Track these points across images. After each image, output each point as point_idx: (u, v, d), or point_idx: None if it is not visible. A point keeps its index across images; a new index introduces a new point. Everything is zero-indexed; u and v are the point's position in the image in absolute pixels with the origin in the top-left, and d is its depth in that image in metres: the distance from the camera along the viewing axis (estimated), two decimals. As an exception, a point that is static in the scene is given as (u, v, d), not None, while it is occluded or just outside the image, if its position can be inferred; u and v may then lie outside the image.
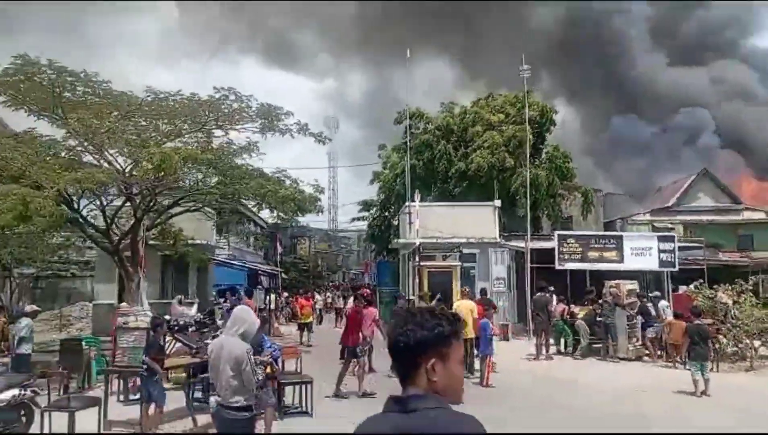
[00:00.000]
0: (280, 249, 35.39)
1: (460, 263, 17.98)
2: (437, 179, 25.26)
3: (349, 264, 72.30)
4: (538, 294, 15.40)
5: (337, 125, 64.07)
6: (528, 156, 22.29)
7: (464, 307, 11.87)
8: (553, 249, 20.47)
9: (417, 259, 19.61)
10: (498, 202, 21.95)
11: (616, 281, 16.03)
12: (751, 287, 15.66)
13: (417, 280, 18.96)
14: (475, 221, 21.78)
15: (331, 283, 43.02)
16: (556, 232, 20.29)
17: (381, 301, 28.30)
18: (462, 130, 25.12)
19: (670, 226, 26.92)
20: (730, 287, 16.05)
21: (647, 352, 15.42)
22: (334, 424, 7.96)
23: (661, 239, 19.66)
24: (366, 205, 29.99)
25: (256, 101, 13.86)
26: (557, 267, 19.38)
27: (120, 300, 16.08)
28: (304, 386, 8.90)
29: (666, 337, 13.78)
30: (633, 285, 15.97)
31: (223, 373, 4.73)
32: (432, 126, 25.88)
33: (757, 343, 14.18)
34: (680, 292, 16.91)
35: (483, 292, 15.10)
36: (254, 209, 21.01)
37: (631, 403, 9.95)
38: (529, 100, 24.73)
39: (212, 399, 4.93)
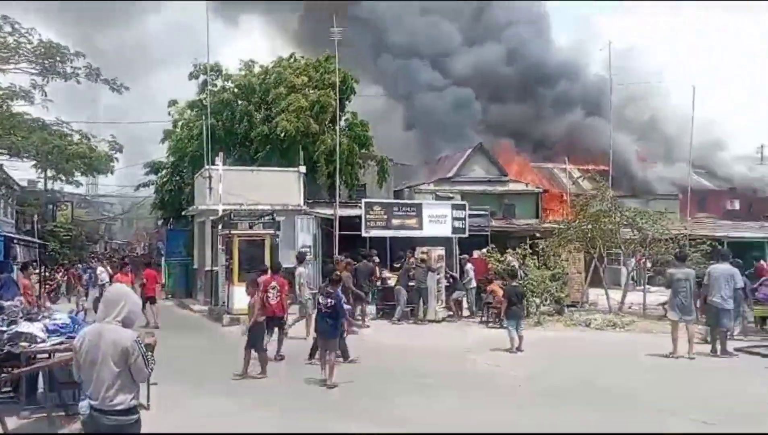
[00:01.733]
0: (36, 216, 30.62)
1: (273, 231, 17.26)
2: (237, 142, 23.92)
3: (113, 233, 65.79)
4: (363, 262, 15.50)
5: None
6: (338, 121, 22.26)
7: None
8: (355, 216, 20.86)
9: (221, 227, 18.39)
10: (303, 169, 21.58)
11: (427, 248, 16.91)
12: (528, 251, 17.79)
13: (224, 250, 17.78)
14: (279, 187, 21.15)
15: (92, 254, 38.61)
16: (363, 200, 20.68)
17: (170, 273, 26.21)
18: (264, 91, 24.05)
19: (450, 195, 29.31)
20: (515, 251, 18.04)
21: (450, 313, 16.67)
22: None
23: (454, 207, 21.22)
24: (154, 167, 27.21)
25: (39, 36, 11.44)
26: (364, 234, 19.80)
27: None
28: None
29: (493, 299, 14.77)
30: (441, 251, 17.02)
31: (102, 371, 3.79)
32: (232, 84, 24.33)
33: (537, 300, 16.15)
34: (475, 256, 18.47)
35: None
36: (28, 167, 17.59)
37: (467, 363, 10.59)
38: (332, 65, 24.60)
39: (83, 403, 3.89)
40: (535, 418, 7.35)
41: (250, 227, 18.15)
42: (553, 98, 38.18)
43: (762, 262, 19.12)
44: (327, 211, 21.37)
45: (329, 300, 8.99)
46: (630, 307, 17.44)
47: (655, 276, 19.69)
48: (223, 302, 17.44)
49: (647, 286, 18.66)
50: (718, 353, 10.98)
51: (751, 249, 23.99)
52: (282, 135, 22.53)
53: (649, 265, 19.36)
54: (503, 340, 11.77)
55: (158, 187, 26.99)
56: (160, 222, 32.33)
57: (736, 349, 11.31)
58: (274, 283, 10.93)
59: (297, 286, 13.31)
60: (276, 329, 10.91)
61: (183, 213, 23.99)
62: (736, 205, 34.61)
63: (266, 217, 18.15)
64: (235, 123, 23.77)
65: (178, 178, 25.20)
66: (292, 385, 9.13)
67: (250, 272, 16.22)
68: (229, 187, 19.55)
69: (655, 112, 37.38)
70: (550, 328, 14.73)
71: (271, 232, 17.21)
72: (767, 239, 26.79)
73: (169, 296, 24.26)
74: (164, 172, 26.58)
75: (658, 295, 17.49)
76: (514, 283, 12.07)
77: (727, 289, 11.27)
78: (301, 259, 13.26)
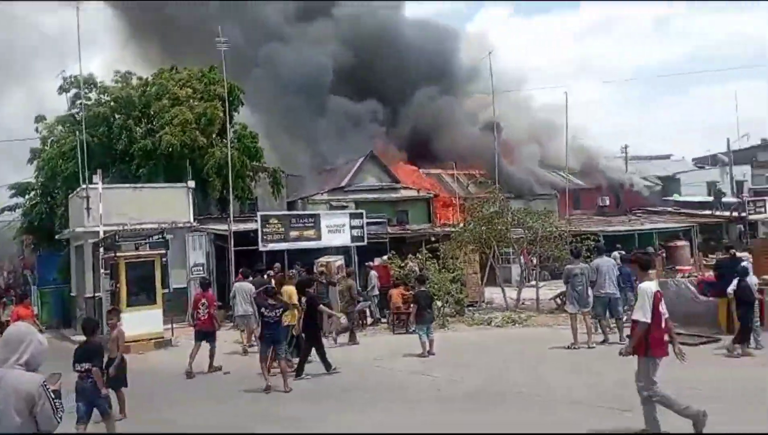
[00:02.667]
0: None
1: (164, 251, 16.23)
2: (116, 158, 22.31)
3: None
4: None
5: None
6: (229, 134, 21.46)
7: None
8: (250, 230, 20.23)
9: (104, 249, 17.01)
10: (192, 184, 20.53)
11: (326, 258, 16.65)
12: (428, 255, 18.10)
13: (107, 274, 16.44)
14: (166, 204, 19.93)
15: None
16: (259, 213, 20.11)
17: (43, 302, 23.86)
18: (145, 104, 22.67)
19: (344, 204, 29.31)
20: (414, 256, 18.28)
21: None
22: None
23: (352, 216, 21.19)
24: (21, 190, 24.71)
25: None
26: (261, 248, 19.22)
27: None
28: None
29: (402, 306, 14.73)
30: (340, 260, 16.82)
31: (3, 422, 3.26)
32: (108, 97, 22.69)
33: (439, 303, 16.43)
34: (377, 263, 18.50)
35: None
36: None
37: (383, 373, 10.46)
38: (216, 76, 23.75)
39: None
40: (464, 422, 7.37)
41: (137, 248, 16.98)
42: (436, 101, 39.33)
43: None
44: (220, 227, 20.52)
45: (275, 311, 9.59)
46: (523, 303, 18.22)
47: (542, 271, 20.83)
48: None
49: (538, 282, 19.62)
50: (619, 341, 11.64)
51: (622, 240, 26.04)
52: (167, 150, 21.34)
53: (535, 261, 20.39)
54: (411, 345, 11.82)
55: (26, 211, 24.55)
56: (27, 248, 29.41)
57: (627, 336, 12.07)
58: (204, 300, 11.41)
59: (239, 302, 13.16)
60: (206, 343, 11.26)
61: (57, 237, 21.99)
62: (607, 202, 37.47)
63: (155, 237, 17.04)
64: (113, 138, 22.19)
65: (49, 199, 23.05)
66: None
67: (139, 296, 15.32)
68: (110, 206, 18.15)
69: (533, 117, 39.65)
70: (454, 329, 15.01)
71: (161, 251, 16.18)
72: (635, 232, 29.30)
73: (44, 329, 22.04)
74: (33, 193, 24.24)
75: (547, 290, 18.50)
76: (423, 288, 12.16)
77: (613, 279, 12.10)
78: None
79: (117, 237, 16.20)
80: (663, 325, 6.37)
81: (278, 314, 9.65)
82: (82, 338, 7.53)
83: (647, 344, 6.31)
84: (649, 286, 6.43)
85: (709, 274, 14.08)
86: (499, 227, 18.37)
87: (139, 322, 14.36)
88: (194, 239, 19.79)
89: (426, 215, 31.40)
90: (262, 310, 9.82)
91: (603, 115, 76.15)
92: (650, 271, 7.18)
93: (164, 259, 19.02)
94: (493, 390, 8.86)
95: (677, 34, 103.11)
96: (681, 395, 6.46)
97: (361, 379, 10.20)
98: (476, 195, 20.90)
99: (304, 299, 10.79)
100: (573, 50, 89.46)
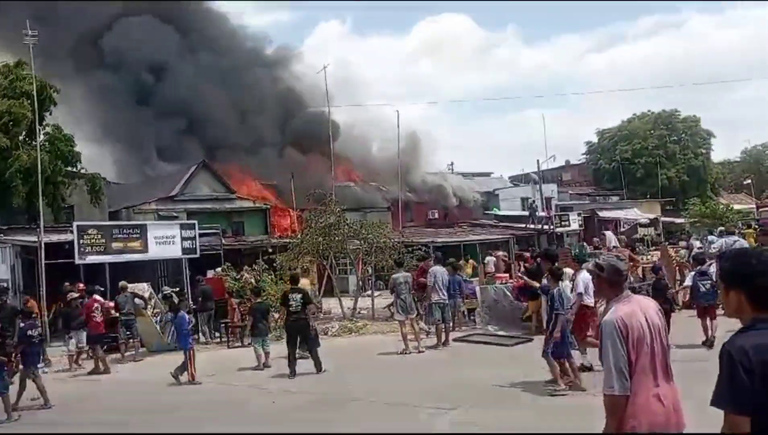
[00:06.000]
0: None
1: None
2: None
3: None
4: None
5: None
6: (38, 136, 19.26)
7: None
8: (65, 242, 18.36)
9: None
10: (-9, 190, 18.15)
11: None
12: (264, 266, 17.80)
13: None
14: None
15: None
16: (75, 223, 18.22)
17: None
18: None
19: (175, 214, 27.75)
20: (251, 268, 17.84)
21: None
22: None
23: (183, 227, 20.04)
24: None
25: None
26: (77, 261, 17.46)
27: None
28: None
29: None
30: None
31: None
32: None
33: (276, 314, 16.16)
34: (210, 275, 17.72)
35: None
36: None
37: (221, 389, 9.99)
38: (23, 72, 21.35)
39: None
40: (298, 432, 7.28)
41: None
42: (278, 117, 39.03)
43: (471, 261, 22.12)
44: (28, 238, 18.32)
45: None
46: (360, 312, 18.58)
47: (377, 281, 21.46)
48: None
49: (373, 292, 20.15)
50: (444, 344, 12.33)
51: (450, 250, 27.70)
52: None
53: (370, 271, 20.94)
54: (245, 359, 11.48)
55: None
56: None
57: (455, 339, 12.86)
58: (96, 305, 12.53)
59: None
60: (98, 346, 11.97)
61: None
62: (435, 215, 39.74)
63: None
64: None
65: None
66: None
67: None
68: None
69: (368, 132, 40.90)
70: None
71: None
72: (461, 242, 31.36)
73: None
74: None
75: (383, 299, 19.07)
76: (259, 300, 11.88)
77: (444, 287, 12.81)
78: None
79: None
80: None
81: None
82: None
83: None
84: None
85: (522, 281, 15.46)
86: (336, 238, 18.58)
87: None
88: (-5, 252, 17.47)
89: (263, 226, 30.86)
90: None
91: (429, 134, 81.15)
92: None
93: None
94: (328, 398, 8.88)
95: (496, 64, 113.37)
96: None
97: (191, 396, 9.67)
98: (313, 206, 20.97)
99: None
100: (403, 70, 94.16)
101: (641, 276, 15.60)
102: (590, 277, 9.58)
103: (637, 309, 3.39)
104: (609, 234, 27.15)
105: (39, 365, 9.76)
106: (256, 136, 37.20)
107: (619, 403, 3.21)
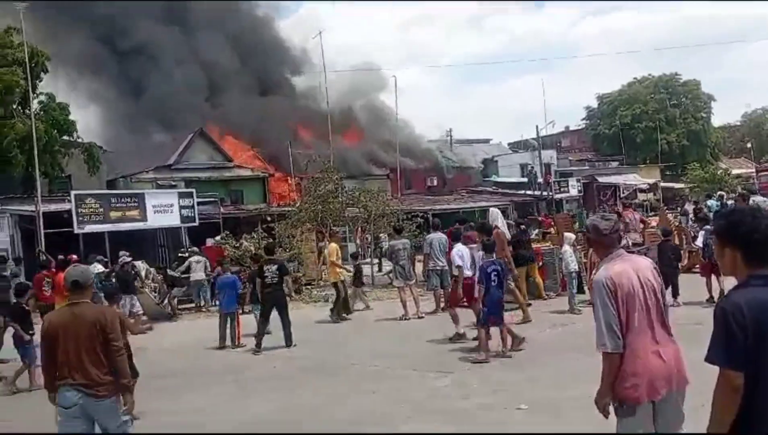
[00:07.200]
0: None
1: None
2: None
3: None
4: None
5: None
6: (32, 104, 19.11)
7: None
8: (63, 211, 18.39)
9: None
10: (-12, 160, 18.06)
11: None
12: (263, 235, 17.81)
13: None
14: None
15: None
16: (73, 192, 18.22)
17: None
18: None
19: (173, 183, 27.65)
20: (250, 236, 17.88)
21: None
22: None
23: (181, 196, 20.06)
24: None
25: None
26: (76, 230, 17.51)
27: None
28: None
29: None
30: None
31: None
32: None
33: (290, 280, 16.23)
34: (209, 244, 17.75)
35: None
36: None
37: (215, 356, 10.10)
38: (13, 38, 21.04)
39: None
40: (297, 395, 7.37)
41: None
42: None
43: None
44: (26, 208, 18.32)
45: None
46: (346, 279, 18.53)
47: (377, 248, 21.50)
48: None
49: (372, 259, 20.21)
50: (442, 310, 12.39)
51: (448, 217, 27.74)
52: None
53: (369, 239, 20.97)
54: (248, 326, 11.55)
55: None
56: None
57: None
58: (47, 278, 11.63)
59: None
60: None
61: None
62: (435, 182, 39.66)
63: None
64: None
65: None
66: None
67: None
68: None
69: (368, 100, 40.51)
70: (292, 307, 14.86)
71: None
72: (460, 209, 31.38)
73: None
74: None
75: (385, 266, 19.11)
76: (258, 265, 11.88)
77: (442, 254, 12.80)
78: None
79: None
80: None
81: None
82: None
83: None
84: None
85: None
86: (334, 206, 18.56)
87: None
88: (-6, 221, 17.49)
89: (261, 194, 30.81)
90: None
91: (427, 101, 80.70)
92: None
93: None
94: (328, 364, 8.97)
95: (490, 30, 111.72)
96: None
97: (194, 363, 9.78)
98: (312, 174, 20.89)
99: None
100: (397, 38, 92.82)
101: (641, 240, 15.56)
102: (465, 249, 10.13)
103: (628, 267, 3.41)
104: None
105: None
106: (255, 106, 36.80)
107: (613, 359, 3.27)
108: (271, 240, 17.22)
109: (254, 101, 36.34)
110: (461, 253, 9.62)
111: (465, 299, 9.50)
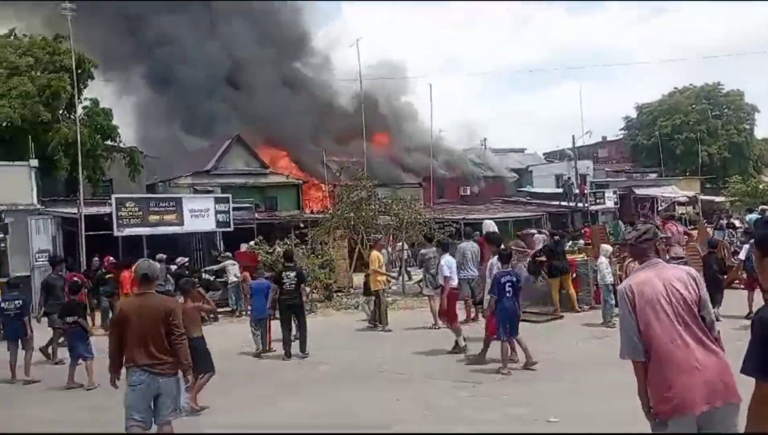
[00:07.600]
0: None
1: (2, 235, 14.62)
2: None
3: None
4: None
5: None
6: (78, 109, 19.74)
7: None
8: (104, 214, 18.88)
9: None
10: (35, 162, 18.67)
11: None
12: (296, 241, 17.97)
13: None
14: (5, 184, 18.02)
15: None
16: (114, 196, 18.69)
17: None
18: (-25, 73, 20.22)
19: (210, 188, 28.18)
20: (283, 242, 18.07)
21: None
22: None
23: (217, 201, 20.39)
24: None
25: None
26: (116, 233, 17.96)
27: None
28: None
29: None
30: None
31: None
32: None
33: (308, 288, 16.38)
34: (243, 249, 18.00)
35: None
36: None
37: (246, 361, 10.25)
38: (62, 46, 21.77)
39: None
40: (341, 401, 7.43)
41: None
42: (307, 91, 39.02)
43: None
44: (68, 210, 18.89)
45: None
46: (391, 288, 18.66)
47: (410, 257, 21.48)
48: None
49: (403, 268, 20.19)
50: (473, 320, 12.33)
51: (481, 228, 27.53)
52: (4, 123, 19.22)
53: (400, 246, 20.96)
54: (274, 332, 11.68)
55: None
56: None
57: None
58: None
59: None
60: None
61: None
62: (468, 191, 39.45)
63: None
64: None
65: None
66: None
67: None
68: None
69: (401, 108, 40.60)
70: (323, 313, 15.06)
71: (-1, 236, 14.62)
72: (493, 219, 31.08)
73: None
74: None
75: (414, 275, 19.10)
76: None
77: (475, 262, 12.76)
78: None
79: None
80: None
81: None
82: None
83: None
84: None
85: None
86: (367, 213, 18.64)
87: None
88: (38, 223, 18.03)
89: (295, 201, 31.12)
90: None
91: (463, 109, 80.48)
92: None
93: (2, 245, 17.19)
94: (356, 370, 9.01)
95: (534, 36, 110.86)
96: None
97: (228, 367, 9.92)
98: (345, 182, 21.04)
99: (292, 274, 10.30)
100: (437, 44, 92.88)
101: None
102: (453, 260, 10.22)
103: (653, 275, 3.36)
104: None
105: None
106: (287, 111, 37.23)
107: (636, 366, 3.30)
108: (303, 246, 17.36)
109: (286, 104, 36.73)
110: (450, 263, 9.99)
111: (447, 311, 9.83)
